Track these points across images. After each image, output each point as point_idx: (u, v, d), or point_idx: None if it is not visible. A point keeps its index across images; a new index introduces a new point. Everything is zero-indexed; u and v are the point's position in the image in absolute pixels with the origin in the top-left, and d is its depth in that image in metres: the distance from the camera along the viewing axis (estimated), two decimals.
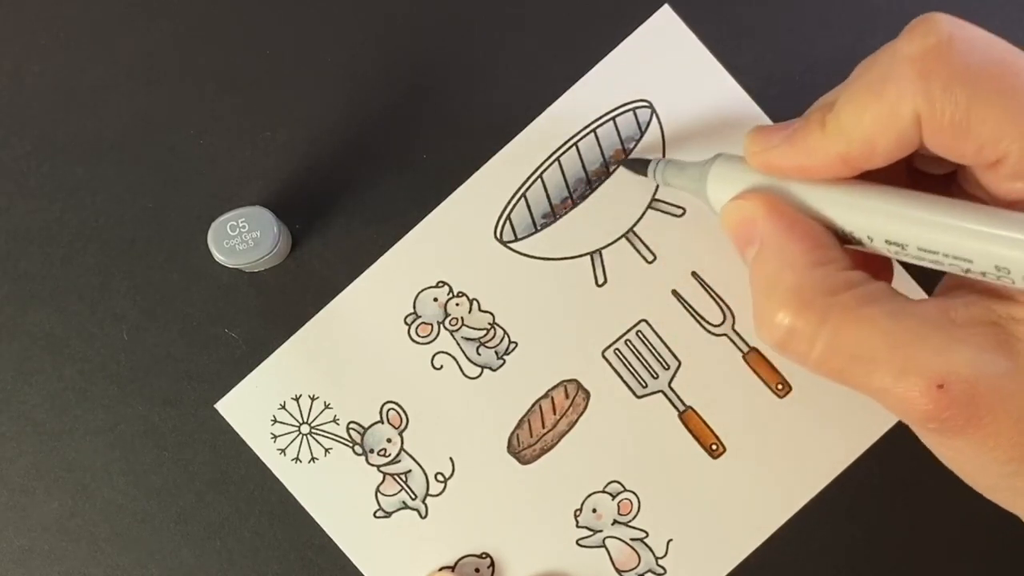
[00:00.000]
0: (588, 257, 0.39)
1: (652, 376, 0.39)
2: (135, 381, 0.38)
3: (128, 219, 0.39)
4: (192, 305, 0.39)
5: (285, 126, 0.39)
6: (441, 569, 0.38)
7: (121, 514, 0.38)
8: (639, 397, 0.39)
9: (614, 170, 0.39)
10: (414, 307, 0.39)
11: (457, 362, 0.39)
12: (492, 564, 0.39)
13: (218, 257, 0.36)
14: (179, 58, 0.39)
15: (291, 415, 0.38)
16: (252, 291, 0.39)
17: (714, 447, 0.39)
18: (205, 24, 0.40)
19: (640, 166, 0.38)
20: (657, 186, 0.39)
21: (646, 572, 0.39)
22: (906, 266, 0.39)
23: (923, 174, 0.32)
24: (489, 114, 0.39)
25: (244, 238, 0.36)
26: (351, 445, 0.38)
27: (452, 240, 0.39)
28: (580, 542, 0.39)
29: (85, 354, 0.38)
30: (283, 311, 0.39)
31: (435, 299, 0.39)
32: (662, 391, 0.39)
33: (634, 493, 0.39)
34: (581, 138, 0.39)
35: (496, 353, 0.39)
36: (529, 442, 0.39)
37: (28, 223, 0.39)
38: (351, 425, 0.39)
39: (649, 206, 0.39)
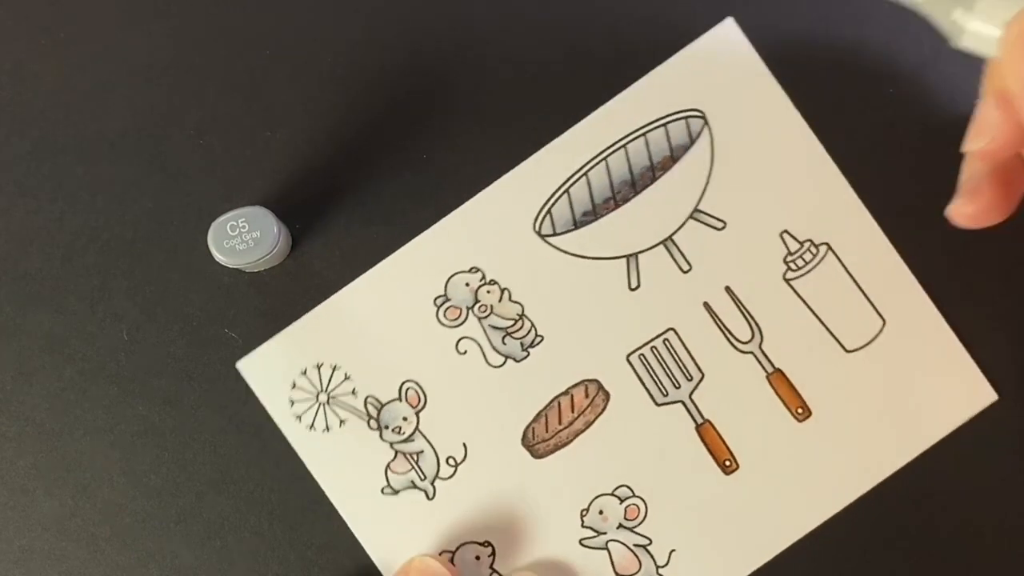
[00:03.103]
0: (624, 260, 0.39)
1: (674, 385, 0.39)
2: (135, 381, 0.39)
3: (128, 219, 0.39)
4: (192, 305, 0.39)
5: (285, 126, 0.39)
6: (441, 553, 0.38)
7: (121, 514, 0.39)
8: (659, 405, 0.39)
9: (660, 176, 0.39)
10: (445, 290, 0.39)
11: (482, 349, 0.39)
12: (493, 553, 0.39)
13: (218, 257, 0.36)
14: (179, 58, 0.39)
15: (311, 382, 0.39)
16: (252, 291, 0.39)
17: (727, 463, 0.39)
18: (205, 24, 0.39)
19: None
20: (701, 196, 0.39)
21: None
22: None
23: None
24: (489, 114, 0.39)
25: (244, 238, 0.36)
26: (367, 419, 0.39)
27: (490, 227, 0.39)
28: (583, 542, 0.39)
29: (85, 354, 0.39)
30: (283, 311, 0.39)
31: (467, 284, 0.39)
32: (682, 401, 0.39)
33: (642, 499, 0.39)
34: (631, 141, 0.39)
35: (521, 344, 0.39)
36: (544, 437, 0.39)
37: (28, 223, 0.39)
38: (369, 399, 0.39)
39: (691, 216, 0.39)
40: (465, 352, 0.39)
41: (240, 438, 0.39)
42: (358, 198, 0.39)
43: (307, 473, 0.39)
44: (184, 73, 0.39)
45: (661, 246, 0.39)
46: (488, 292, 0.39)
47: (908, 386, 0.39)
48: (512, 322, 0.39)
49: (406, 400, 0.39)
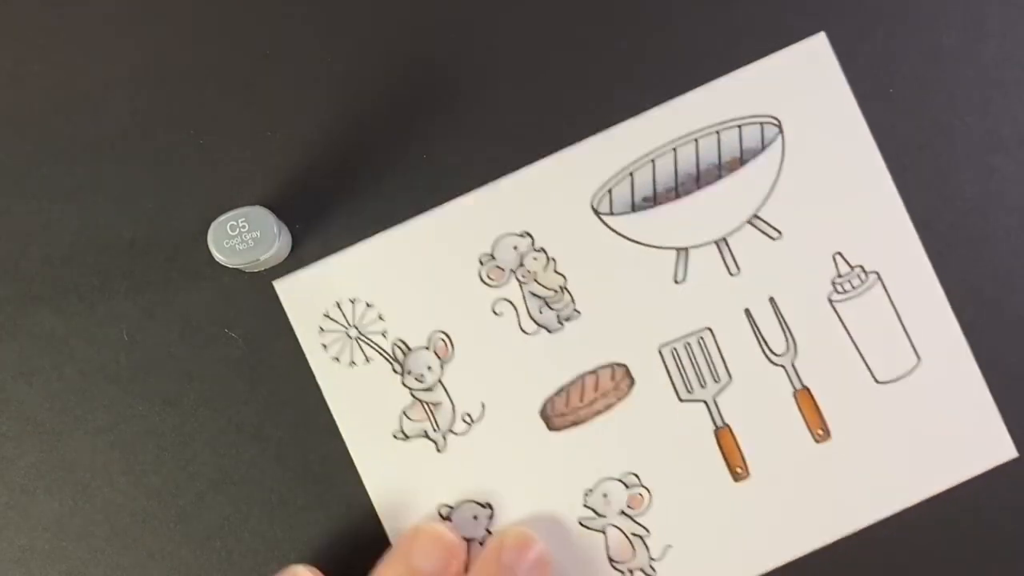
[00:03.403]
0: (674, 252, 0.39)
1: (700, 384, 0.39)
2: (135, 381, 0.38)
3: (128, 219, 0.39)
4: (192, 305, 0.38)
5: (285, 126, 0.39)
6: (440, 506, 0.39)
7: (121, 514, 0.39)
8: (682, 400, 0.39)
9: (725, 175, 0.39)
10: (492, 249, 0.39)
11: (517, 314, 0.39)
12: (492, 515, 0.39)
13: (218, 257, 0.36)
14: (179, 58, 0.39)
15: (344, 315, 0.39)
16: (252, 291, 0.39)
17: (739, 470, 0.39)
18: (205, 24, 0.39)
19: None
20: (762, 203, 0.39)
21: (636, 569, 0.39)
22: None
23: None
24: (492, 114, 0.39)
25: (244, 238, 0.36)
26: (392, 362, 0.39)
27: (549, 195, 0.39)
28: (582, 521, 0.39)
29: (85, 354, 0.38)
30: (283, 311, 0.39)
31: (515, 247, 0.39)
32: (705, 402, 0.39)
33: (648, 490, 0.39)
34: (704, 135, 0.39)
35: (558, 316, 0.39)
36: (563, 411, 0.39)
37: (28, 223, 0.39)
38: (397, 342, 0.39)
39: (749, 221, 0.39)
40: (501, 314, 0.39)
41: (240, 438, 0.39)
42: (358, 198, 0.39)
43: (307, 473, 0.39)
44: (184, 73, 0.39)
45: (713, 245, 0.39)
46: (535, 259, 0.39)
47: (931, 428, 0.39)
48: (553, 292, 0.39)
49: (434, 350, 0.39)
